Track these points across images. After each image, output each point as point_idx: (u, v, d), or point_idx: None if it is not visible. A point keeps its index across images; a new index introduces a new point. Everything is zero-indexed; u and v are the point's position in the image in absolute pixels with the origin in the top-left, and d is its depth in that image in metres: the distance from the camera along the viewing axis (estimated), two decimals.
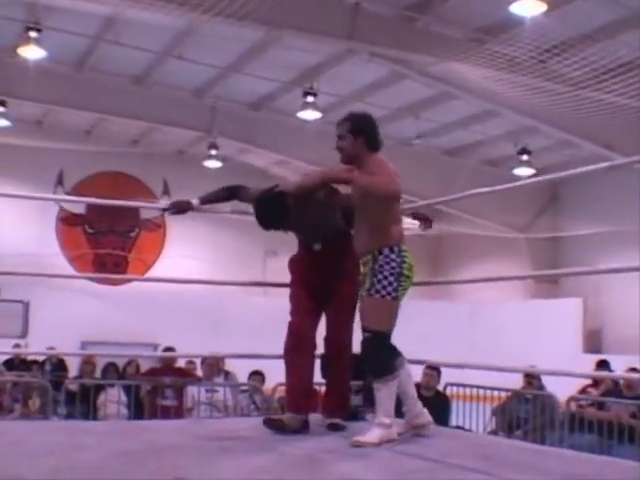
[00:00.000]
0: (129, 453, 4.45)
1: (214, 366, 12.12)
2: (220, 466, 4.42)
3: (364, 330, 5.33)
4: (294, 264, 6.05)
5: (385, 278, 5.28)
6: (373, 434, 5.15)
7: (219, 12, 12.03)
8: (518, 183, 6.36)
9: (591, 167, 5.46)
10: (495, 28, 13.43)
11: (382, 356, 5.29)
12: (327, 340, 5.81)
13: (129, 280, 21.43)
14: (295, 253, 6.08)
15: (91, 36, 15.86)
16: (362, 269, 5.48)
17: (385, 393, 5.25)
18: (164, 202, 21.65)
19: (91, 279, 20.44)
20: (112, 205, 18.97)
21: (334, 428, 5.72)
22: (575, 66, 12.88)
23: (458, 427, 10.44)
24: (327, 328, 5.84)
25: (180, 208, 6.17)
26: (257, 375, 12.30)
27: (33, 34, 14.34)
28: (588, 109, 14.17)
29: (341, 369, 5.88)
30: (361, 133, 5.54)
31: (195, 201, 6.08)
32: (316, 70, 16.49)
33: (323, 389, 6.19)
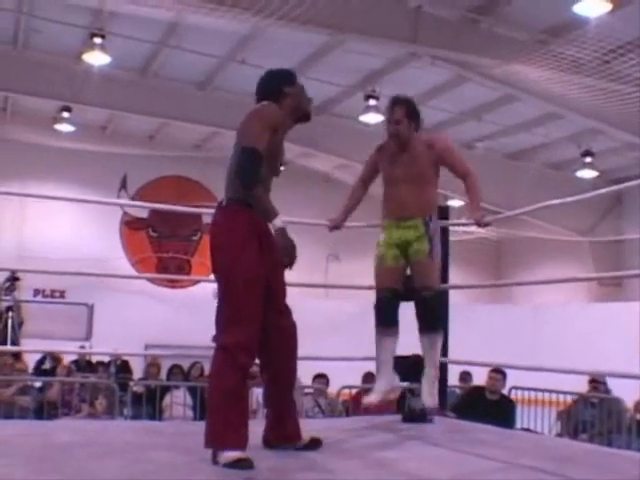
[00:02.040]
0: (200, 453, 4.46)
1: None
2: (288, 466, 4.43)
3: (423, 289, 5.72)
4: (242, 232, 4.57)
5: (437, 245, 5.86)
6: (434, 389, 5.80)
7: (282, 16, 12.08)
8: (589, 194, 6.25)
9: None
10: (559, 29, 13.30)
11: (442, 309, 5.95)
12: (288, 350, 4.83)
13: (192, 282, 21.64)
14: (228, 215, 4.67)
15: (154, 42, 16.01)
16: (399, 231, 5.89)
17: (439, 344, 5.84)
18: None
19: (155, 281, 20.66)
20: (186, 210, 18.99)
21: (317, 444, 4.91)
22: None
23: (526, 429, 10.38)
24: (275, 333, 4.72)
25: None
26: (321, 378, 12.33)
27: (98, 40, 14.52)
28: None
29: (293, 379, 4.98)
30: (414, 116, 5.91)
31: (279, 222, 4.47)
32: (378, 74, 16.50)
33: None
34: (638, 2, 12.21)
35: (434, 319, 5.77)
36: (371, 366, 11.71)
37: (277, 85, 4.84)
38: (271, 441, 4.84)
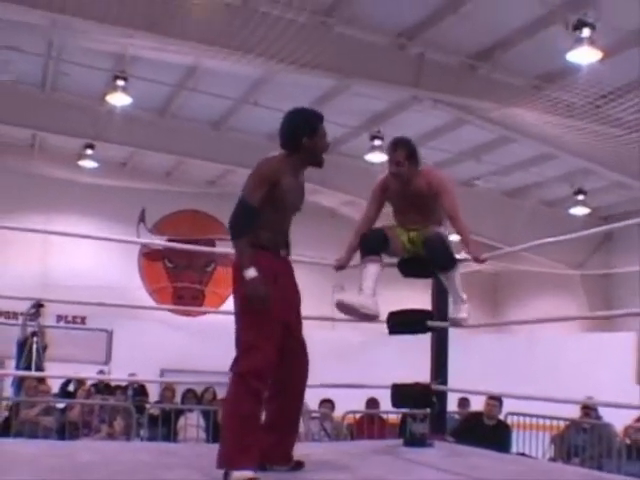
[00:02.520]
0: (213, 473, 4.47)
1: None
2: None
3: (430, 234, 5.98)
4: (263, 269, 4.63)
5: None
6: (463, 310, 6.09)
7: (294, 61, 12.17)
8: (582, 233, 6.38)
9: None
10: (553, 75, 13.40)
11: (446, 250, 5.99)
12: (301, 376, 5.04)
13: (205, 312, 21.65)
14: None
15: (173, 84, 16.11)
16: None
17: (454, 276, 6.08)
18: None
19: (170, 311, 20.70)
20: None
21: (300, 466, 4.95)
22: (629, 111, 12.79)
23: (522, 454, 10.34)
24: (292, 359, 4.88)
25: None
26: (327, 403, 12.32)
27: (120, 82, 14.63)
28: None
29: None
30: (414, 157, 6.02)
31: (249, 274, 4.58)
32: (383, 116, 16.56)
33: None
34: (626, 51, 12.33)
35: (440, 261, 5.99)
36: (373, 393, 11.74)
37: (297, 137, 4.91)
38: (265, 462, 4.76)
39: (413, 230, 6.10)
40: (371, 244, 6.10)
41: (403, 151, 6.01)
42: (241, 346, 4.63)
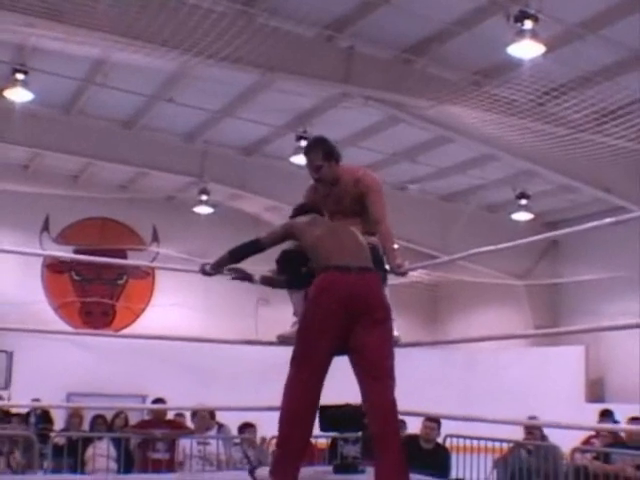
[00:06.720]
0: None
1: (206, 418, 12.06)
2: None
3: None
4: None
5: None
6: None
7: (212, 55, 12.11)
8: (525, 240, 6.41)
9: (595, 222, 5.55)
10: (493, 70, 13.54)
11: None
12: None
13: (117, 329, 21.43)
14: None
15: (79, 79, 15.85)
16: None
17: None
18: (152, 249, 21.92)
19: (74, 325, 20.50)
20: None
21: None
22: (574, 109, 12.97)
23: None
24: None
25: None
26: (249, 427, 12.22)
27: (20, 76, 14.38)
28: (587, 152, 14.25)
29: None
30: (332, 155, 6.08)
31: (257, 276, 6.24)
32: (310, 114, 16.55)
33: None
34: (571, 44, 12.50)
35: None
36: None
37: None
38: None
39: None
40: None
41: (318, 152, 6.08)
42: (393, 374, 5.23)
